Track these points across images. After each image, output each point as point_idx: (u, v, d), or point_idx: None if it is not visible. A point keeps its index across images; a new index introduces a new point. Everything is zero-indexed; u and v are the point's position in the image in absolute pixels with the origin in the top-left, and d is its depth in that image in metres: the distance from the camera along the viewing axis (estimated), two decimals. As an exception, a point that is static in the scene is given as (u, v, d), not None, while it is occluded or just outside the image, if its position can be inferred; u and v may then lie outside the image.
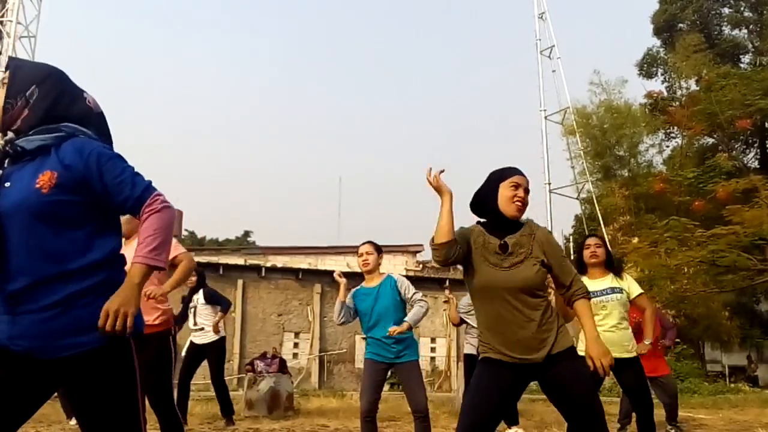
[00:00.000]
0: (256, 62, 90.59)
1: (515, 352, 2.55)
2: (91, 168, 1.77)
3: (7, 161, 1.82)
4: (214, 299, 6.47)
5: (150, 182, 1.85)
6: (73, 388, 1.76)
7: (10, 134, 1.83)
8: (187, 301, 6.45)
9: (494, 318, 2.60)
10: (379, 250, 4.32)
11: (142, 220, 1.78)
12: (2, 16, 27.18)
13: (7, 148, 1.81)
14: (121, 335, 1.66)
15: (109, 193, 1.78)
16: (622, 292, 4.17)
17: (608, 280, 4.16)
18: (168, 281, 3.80)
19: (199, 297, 6.40)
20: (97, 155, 1.79)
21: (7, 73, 1.88)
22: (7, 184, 1.77)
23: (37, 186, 1.72)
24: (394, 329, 3.97)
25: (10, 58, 1.96)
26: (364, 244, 4.31)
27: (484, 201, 2.72)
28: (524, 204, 2.66)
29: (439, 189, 2.63)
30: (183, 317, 6.43)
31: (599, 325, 3.98)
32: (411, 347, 4.14)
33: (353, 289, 4.33)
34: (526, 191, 2.68)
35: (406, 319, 4.08)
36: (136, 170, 1.85)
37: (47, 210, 1.72)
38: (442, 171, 2.63)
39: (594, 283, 4.08)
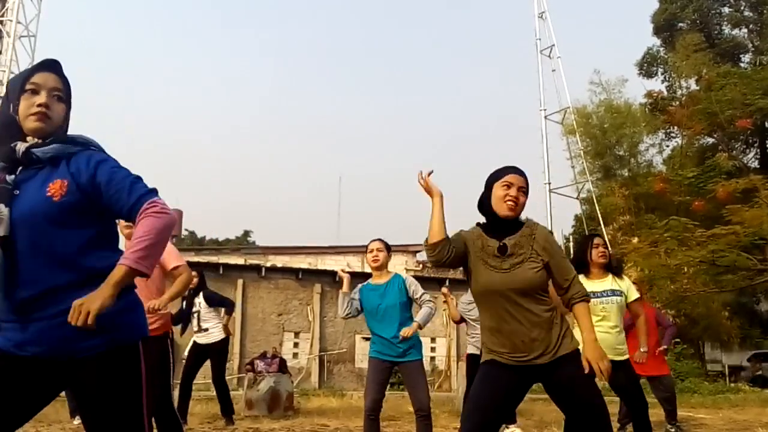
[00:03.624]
0: (256, 62, 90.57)
1: (519, 354, 2.52)
2: (96, 178, 1.77)
3: (19, 169, 1.77)
4: (216, 302, 6.55)
5: (150, 189, 1.80)
6: (81, 388, 1.75)
7: (26, 143, 1.78)
8: (189, 302, 6.45)
9: (497, 321, 2.56)
10: (389, 248, 4.31)
11: (137, 222, 1.73)
12: (2, 16, 27.16)
13: (19, 156, 1.77)
14: (85, 328, 1.59)
15: (110, 201, 1.77)
16: (621, 295, 4.17)
17: (608, 282, 4.15)
18: (167, 293, 3.76)
19: (200, 301, 6.45)
20: (101, 165, 1.79)
21: (61, 83, 1.84)
22: (17, 192, 1.74)
23: (48, 194, 1.72)
24: (405, 332, 3.95)
25: (52, 61, 1.85)
26: (373, 241, 4.28)
27: (482, 202, 2.71)
28: (517, 203, 2.59)
29: (429, 191, 2.65)
30: (186, 317, 6.45)
31: (597, 326, 3.99)
32: (416, 347, 4.12)
33: (360, 285, 4.31)
34: (521, 190, 2.61)
35: (416, 319, 4.07)
36: (136, 177, 1.81)
37: (59, 217, 1.72)
38: (431, 172, 2.64)
39: (595, 283, 4.07)
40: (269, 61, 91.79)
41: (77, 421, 6.32)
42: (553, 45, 27.28)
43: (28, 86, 1.79)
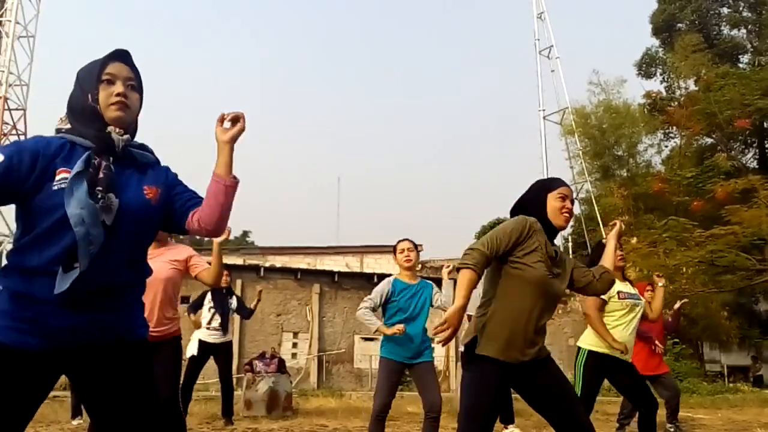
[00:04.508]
0: (256, 62, 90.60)
1: (520, 351, 2.57)
2: (173, 189, 1.89)
3: (111, 157, 1.77)
4: (245, 314, 7.45)
5: None
6: (96, 376, 1.75)
7: (123, 136, 1.81)
8: (223, 300, 6.74)
9: (519, 313, 2.56)
10: (417, 247, 4.31)
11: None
12: (1, 16, 27.14)
13: (119, 149, 1.79)
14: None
15: (176, 198, 1.88)
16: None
17: (630, 287, 4.24)
18: (215, 257, 3.91)
19: (233, 302, 6.88)
20: (176, 179, 1.94)
21: (132, 73, 1.86)
22: None
23: (148, 197, 1.79)
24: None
25: (123, 51, 1.87)
26: (403, 241, 4.24)
27: (529, 208, 2.71)
28: (571, 215, 2.71)
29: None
30: (200, 307, 6.76)
31: (629, 325, 4.04)
32: (429, 348, 4.13)
33: (392, 278, 4.20)
34: (572, 202, 2.72)
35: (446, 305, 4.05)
36: None
37: (153, 222, 1.82)
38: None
39: (624, 285, 4.16)
40: (269, 61, 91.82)
41: (76, 421, 6.33)
42: (552, 45, 27.34)
43: (104, 76, 1.82)
